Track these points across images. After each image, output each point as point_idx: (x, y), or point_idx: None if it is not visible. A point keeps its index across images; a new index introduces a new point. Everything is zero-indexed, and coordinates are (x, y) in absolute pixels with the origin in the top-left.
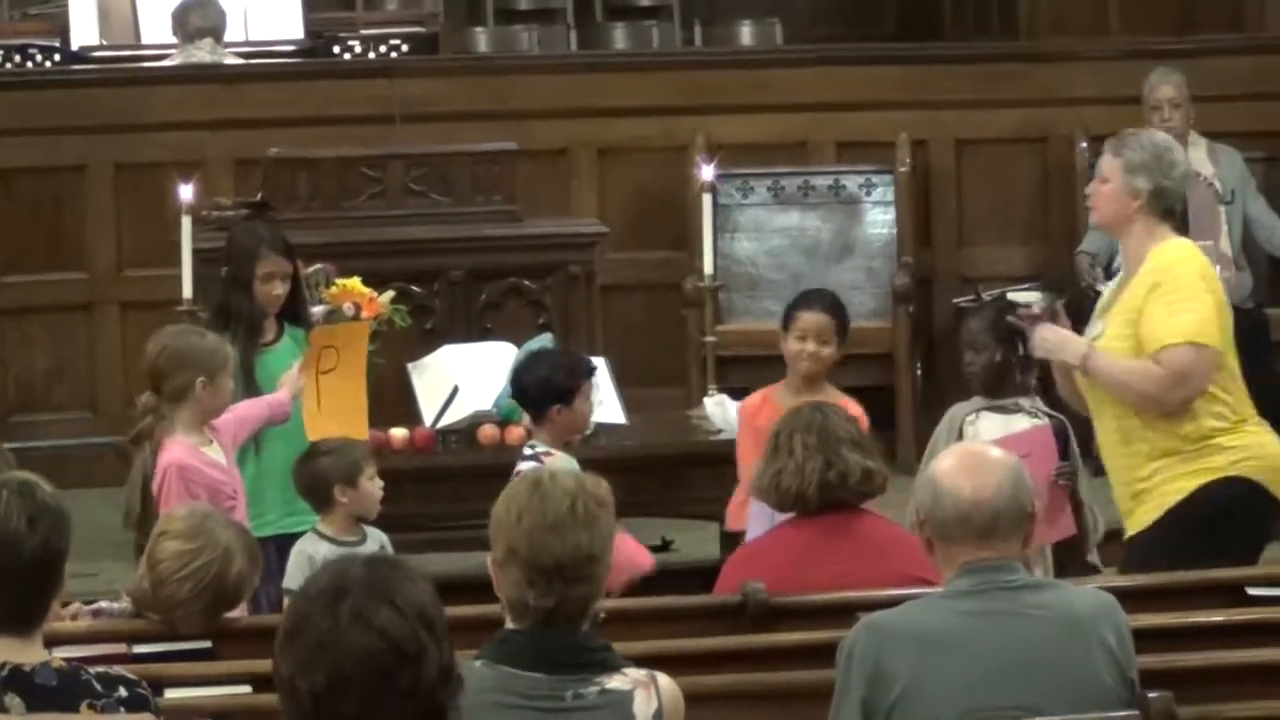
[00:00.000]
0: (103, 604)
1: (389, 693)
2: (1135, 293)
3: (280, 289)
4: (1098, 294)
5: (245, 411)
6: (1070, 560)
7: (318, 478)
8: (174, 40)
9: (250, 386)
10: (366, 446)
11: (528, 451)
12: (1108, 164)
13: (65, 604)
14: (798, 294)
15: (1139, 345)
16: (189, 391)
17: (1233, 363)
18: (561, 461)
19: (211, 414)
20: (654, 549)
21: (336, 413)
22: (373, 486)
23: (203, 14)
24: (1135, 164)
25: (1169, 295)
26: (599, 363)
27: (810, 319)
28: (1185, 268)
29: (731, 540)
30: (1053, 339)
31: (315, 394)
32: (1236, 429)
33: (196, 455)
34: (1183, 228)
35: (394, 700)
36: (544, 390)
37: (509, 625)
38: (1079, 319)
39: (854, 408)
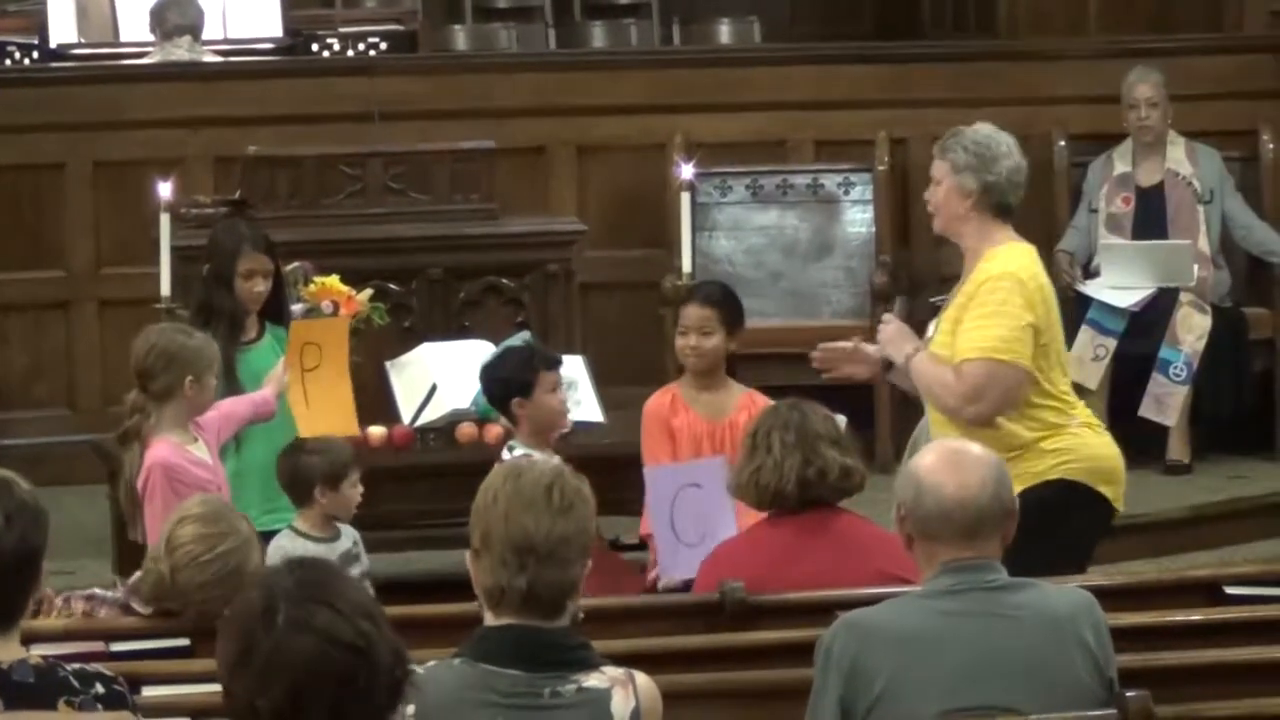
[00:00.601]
0: (96, 591)
1: (351, 691)
2: (961, 300)
3: (262, 286)
4: (1076, 293)
5: (230, 408)
6: None
7: (300, 473)
8: (152, 38)
9: (231, 384)
10: (354, 452)
11: (505, 455)
12: (937, 167)
13: (58, 593)
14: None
15: (954, 356)
16: (176, 390)
17: (1054, 371)
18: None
19: (196, 412)
20: (632, 547)
21: (326, 409)
22: (353, 493)
23: (181, 12)
24: (960, 164)
25: (980, 308)
26: (577, 361)
27: (690, 313)
28: (1001, 282)
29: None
30: (886, 334)
31: (302, 392)
32: (1057, 433)
33: (181, 453)
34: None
35: (357, 697)
36: (504, 386)
37: (487, 623)
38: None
39: (760, 399)
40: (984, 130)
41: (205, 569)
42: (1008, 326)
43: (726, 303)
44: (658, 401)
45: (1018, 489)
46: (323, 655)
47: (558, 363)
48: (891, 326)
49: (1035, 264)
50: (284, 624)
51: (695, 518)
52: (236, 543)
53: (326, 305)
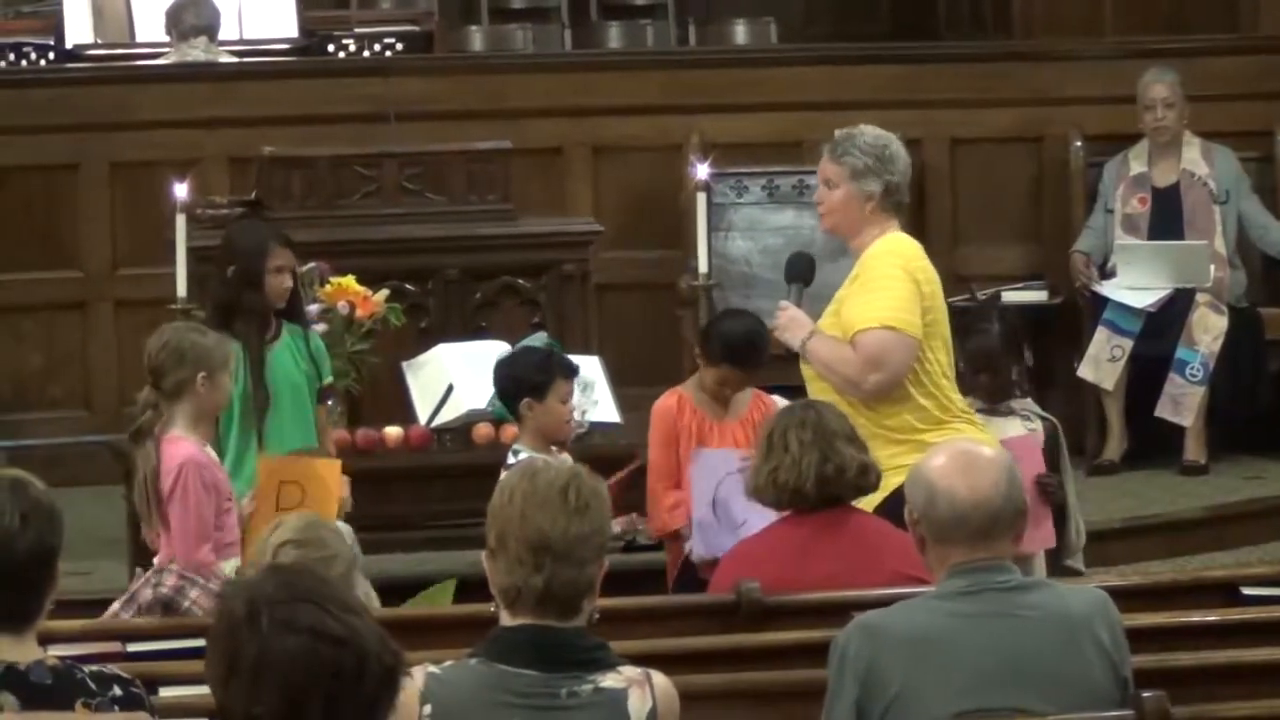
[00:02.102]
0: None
1: (344, 685)
2: (847, 283)
3: (290, 281)
4: (1092, 294)
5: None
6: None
7: None
8: (168, 39)
9: (260, 383)
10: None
11: (510, 459)
12: (832, 171)
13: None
14: (729, 336)
15: (845, 335)
16: (188, 388)
17: (943, 360)
18: None
19: (210, 411)
20: (649, 548)
21: None
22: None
23: (197, 12)
24: (860, 169)
25: (865, 283)
26: (593, 361)
27: (734, 376)
28: (886, 259)
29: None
30: (783, 320)
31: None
32: (940, 427)
33: (203, 453)
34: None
35: (350, 690)
36: (517, 384)
37: (503, 623)
38: (1073, 319)
39: (767, 399)
40: (872, 131)
41: None
42: (896, 296)
43: (764, 358)
44: (665, 404)
45: (899, 480)
46: (312, 652)
47: (574, 372)
48: (787, 314)
49: (918, 249)
50: (269, 626)
51: (737, 503)
52: (343, 567)
53: (342, 306)
